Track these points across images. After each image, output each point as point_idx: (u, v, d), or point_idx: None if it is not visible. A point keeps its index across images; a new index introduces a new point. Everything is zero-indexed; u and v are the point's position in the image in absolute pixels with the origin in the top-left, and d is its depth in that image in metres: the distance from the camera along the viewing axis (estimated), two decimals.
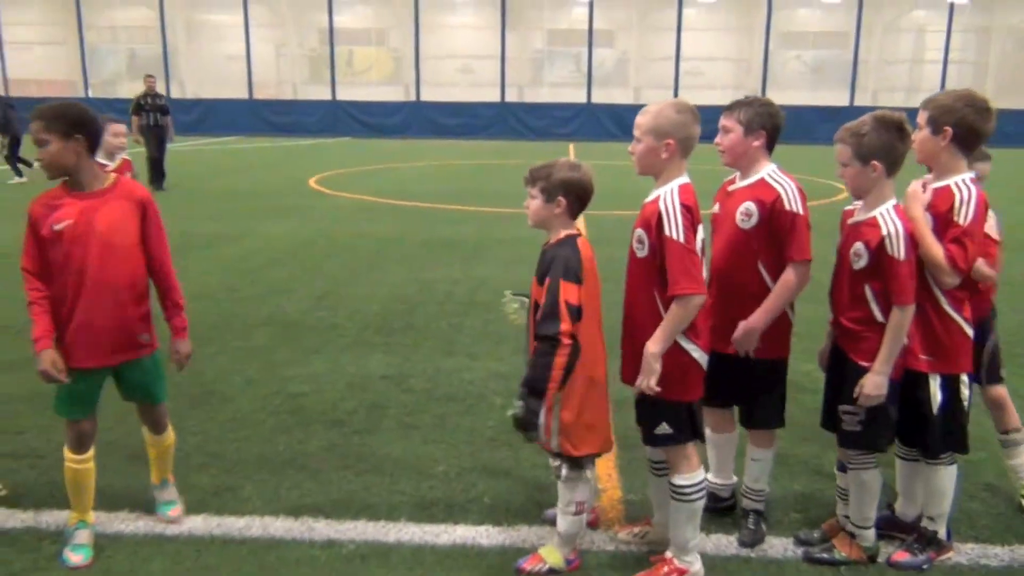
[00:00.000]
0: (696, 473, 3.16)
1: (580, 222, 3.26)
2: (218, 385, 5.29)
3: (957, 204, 3.12)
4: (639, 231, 3.10)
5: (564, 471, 3.17)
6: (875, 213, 3.12)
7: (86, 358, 3.24)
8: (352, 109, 33.18)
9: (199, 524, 3.57)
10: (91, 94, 34.50)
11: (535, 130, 32.07)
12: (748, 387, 3.46)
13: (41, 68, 37.99)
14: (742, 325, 3.31)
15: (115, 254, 3.22)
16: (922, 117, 3.24)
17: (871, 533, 3.36)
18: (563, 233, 3.14)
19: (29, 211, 3.21)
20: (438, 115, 32.71)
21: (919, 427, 3.29)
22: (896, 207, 3.13)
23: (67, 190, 3.23)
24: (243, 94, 33.89)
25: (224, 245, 9.83)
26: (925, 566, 3.33)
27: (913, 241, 3.09)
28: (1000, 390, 3.81)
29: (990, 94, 3.25)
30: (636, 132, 3.13)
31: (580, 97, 33.34)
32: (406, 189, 15.69)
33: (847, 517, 3.39)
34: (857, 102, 32.77)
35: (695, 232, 3.01)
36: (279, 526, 3.56)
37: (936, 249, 3.10)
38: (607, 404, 3.22)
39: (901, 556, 3.37)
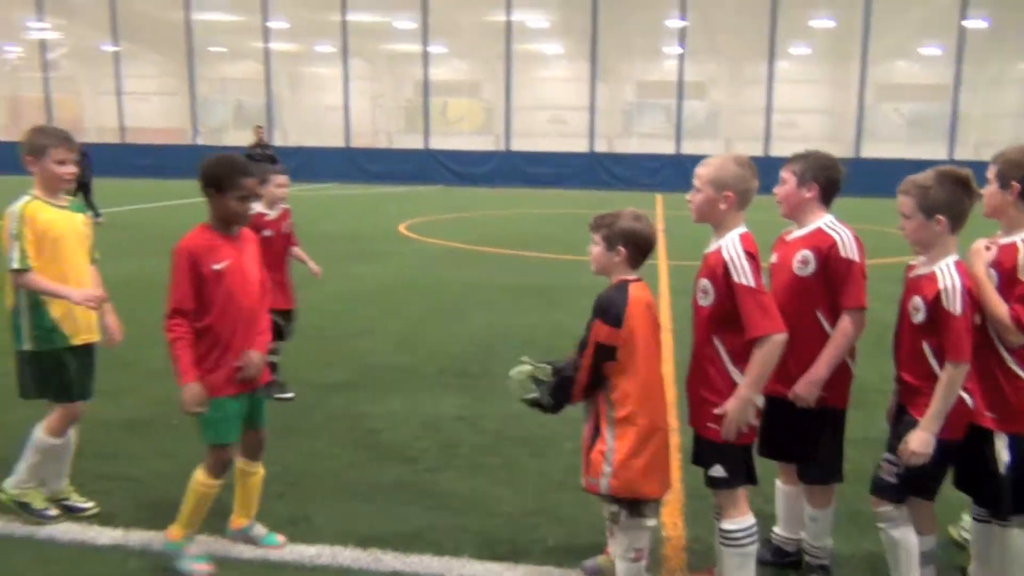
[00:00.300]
0: (745, 518, 3.17)
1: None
2: (299, 420, 5.50)
3: (1022, 261, 3.09)
4: (703, 281, 3.17)
5: (623, 517, 3.20)
6: (935, 268, 3.11)
7: (239, 386, 3.53)
8: (444, 158, 33.96)
9: (273, 550, 3.74)
10: (200, 141, 36.28)
11: (623, 180, 32.22)
12: (803, 438, 3.44)
13: (155, 117, 40.33)
14: (804, 378, 3.31)
15: (256, 290, 3.59)
16: (991, 171, 3.23)
17: None
18: (619, 278, 3.23)
19: (184, 253, 3.44)
20: (527, 164, 33.17)
21: (988, 486, 3.22)
22: (957, 263, 3.11)
23: (216, 233, 3.53)
24: (340, 143, 35.08)
25: (313, 286, 10.14)
26: None
27: (971, 298, 3.06)
28: None
29: None
30: (696, 182, 3.23)
31: (669, 148, 33.38)
32: (492, 236, 15.97)
33: None
34: (957, 156, 31.86)
35: (760, 276, 3.07)
36: (347, 555, 3.70)
37: (1001, 307, 3.08)
38: (667, 449, 3.26)
39: None
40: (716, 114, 39.91)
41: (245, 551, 3.71)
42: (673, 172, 32.79)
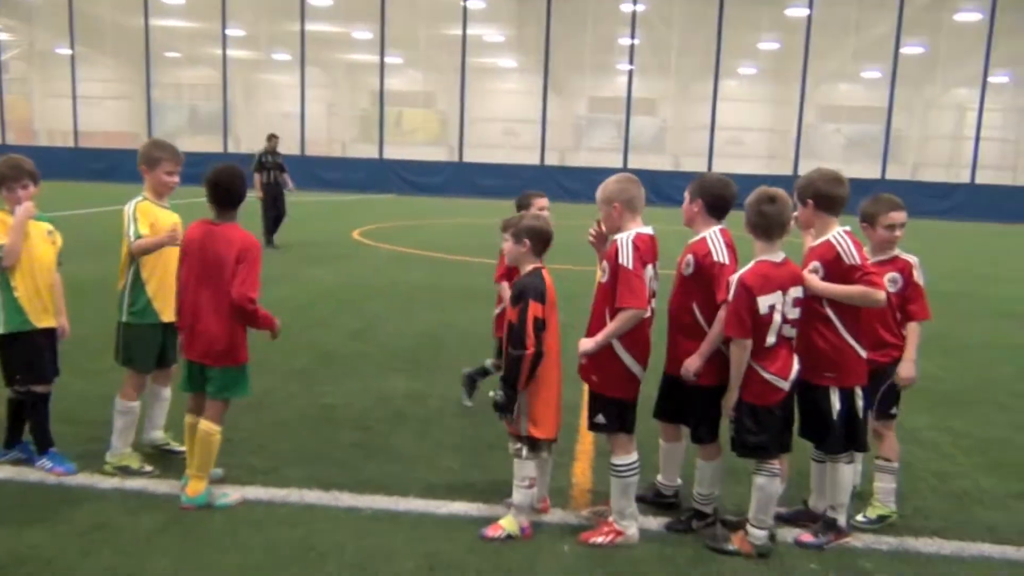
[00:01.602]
0: (628, 456, 4.08)
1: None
2: (264, 398, 6.21)
3: (844, 250, 4.02)
4: (604, 262, 4.09)
5: (524, 451, 4.05)
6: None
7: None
8: (398, 167, 34.60)
9: (250, 492, 4.50)
10: None
11: (572, 192, 33.13)
12: (693, 406, 4.26)
13: (107, 121, 40.31)
14: (687, 360, 4.13)
15: None
16: (795, 195, 4.20)
17: (762, 533, 4.07)
18: (530, 267, 4.08)
19: (258, 248, 4.35)
20: (479, 175, 33.93)
21: (824, 432, 4.10)
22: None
23: None
24: (295, 150, 35.49)
25: (273, 286, 10.85)
26: (825, 546, 4.10)
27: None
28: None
29: None
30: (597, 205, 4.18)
31: (618, 162, 34.39)
32: (441, 243, 16.75)
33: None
34: (894, 175, 33.35)
35: (640, 264, 3.93)
36: (312, 495, 4.49)
37: (854, 289, 3.99)
38: (558, 400, 4.15)
39: (806, 538, 4.16)
40: (664, 130, 41.10)
41: (233, 494, 4.43)
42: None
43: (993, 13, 30.93)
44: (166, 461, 4.90)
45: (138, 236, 4.64)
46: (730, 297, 3.94)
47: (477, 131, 37.18)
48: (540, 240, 4.13)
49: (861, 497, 4.62)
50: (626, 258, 3.93)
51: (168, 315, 4.72)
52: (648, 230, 4.11)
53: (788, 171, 32.50)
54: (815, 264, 4.10)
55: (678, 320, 4.23)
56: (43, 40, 39.88)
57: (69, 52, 35.47)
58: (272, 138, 16.17)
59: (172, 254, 4.70)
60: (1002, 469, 5.39)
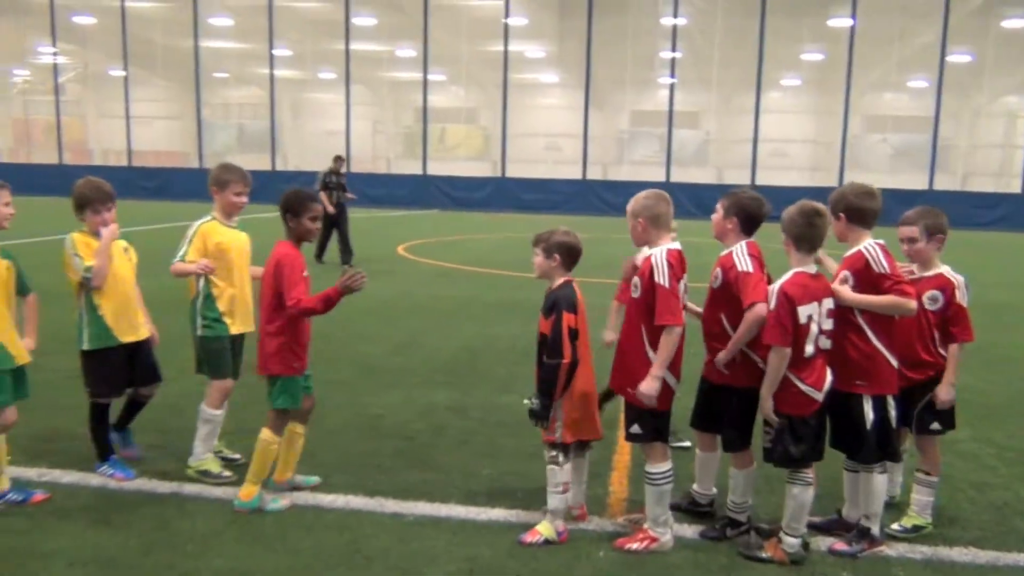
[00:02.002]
0: (662, 464, 4.18)
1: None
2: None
3: (874, 258, 4.12)
4: (635, 278, 4.23)
5: (560, 458, 4.19)
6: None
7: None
8: (441, 183, 34.96)
9: (300, 497, 4.70)
10: (204, 164, 37.35)
11: (614, 206, 33.23)
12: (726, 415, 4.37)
13: (158, 140, 41.43)
14: (716, 357, 4.27)
15: None
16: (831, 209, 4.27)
17: (795, 541, 4.14)
18: (561, 280, 4.22)
19: (298, 260, 4.49)
20: (522, 190, 34.15)
21: (857, 441, 4.16)
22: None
23: (298, 249, 4.59)
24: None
25: None
26: (859, 555, 4.16)
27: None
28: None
29: None
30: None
31: (660, 176, 34.39)
32: (483, 258, 16.96)
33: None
34: (944, 186, 32.88)
35: (676, 281, 4.05)
36: (357, 502, 4.67)
37: (885, 299, 4.07)
38: (593, 403, 4.29)
39: (839, 546, 4.22)
40: (707, 143, 41.05)
41: (277, 497, 4.63)
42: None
43: None
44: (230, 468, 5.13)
45: (181, 259, 4.90)
46: (772, 306, 4.04)
47: (519, 146, 37.46)
48: (570, 255, 4.29)
49: (899, 507, 4.67)
50: (662, 276, 4.06)
51: (237, 327, 5.02)
52: (676, 245, 4.23)
53: (833, 183, 32.15)
54: (845, 273, 4.18)
55: (710, 330, 4.36)
56: (97, 62, 41.19)
57: (122, 74, 36.53)
58: (338, 159, 16.28)
59: (243, 269, 5.04)
60: None
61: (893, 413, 4.20)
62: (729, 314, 4.26)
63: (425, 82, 35.40)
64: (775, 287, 4.09)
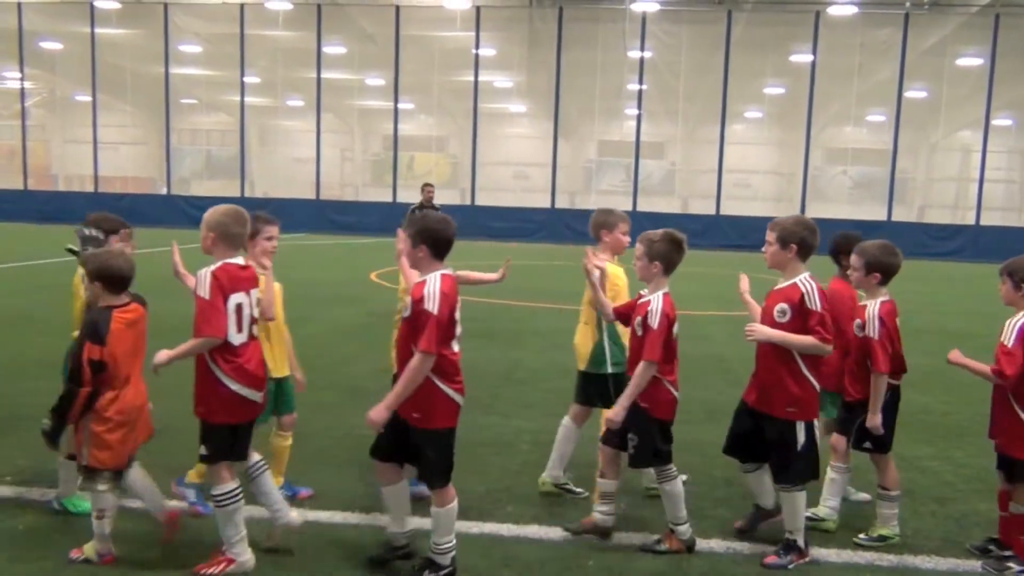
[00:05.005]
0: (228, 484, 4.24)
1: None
2: (302, 428, 6.56)
3: (807, 294, 4.47)
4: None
5: (98, 484, 4.24)
6: (651, 296, 4.63)
7: None
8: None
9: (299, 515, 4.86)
10: (172, 191, 37.26)
11: (583, 234, 33.52)
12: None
13: (126, 166, 41.21)
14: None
15: None
16: (771, 235, 4.60)
17: (685, 528, 4.56)
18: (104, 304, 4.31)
19: None
20: (491, 219, 34.45)
21: (785, 461, 4.52)
22: (665, 295, 4.61)
23: None
24: (310, 194, 36.16)
25: (299, 325, 11.26)
26: (790, 566, 4.45)
27: (668, 319, 4.54)
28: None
29: None
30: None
31: (627, 204, 34.89)
32: None
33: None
34: (902, 217, 33.76)
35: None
36: (354, 517, 4.89)
37: (806, 340, 4.42)
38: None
39: (771, 559, 4.51)
40: (672, 173, 41.75)
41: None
42: (631, 228, 34.26)
43: (993, 59, 31.56)
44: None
45: None
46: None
47: (488, 175, 37.81)
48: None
49: (867, 518, 4.97)
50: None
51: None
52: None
53: (795, 213, 32.87)
54: (783, 306, 4.52)
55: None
56: (64, 87, 40.93)
57: (89, 99, 36.35)
58: (426, 188, 13.96)
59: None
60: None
61: (817, 435, 4.56)
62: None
63: (396, 111, 35.70)
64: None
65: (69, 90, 40.64)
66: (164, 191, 37.77)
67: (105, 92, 37.20)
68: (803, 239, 4.50)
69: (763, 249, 4.67)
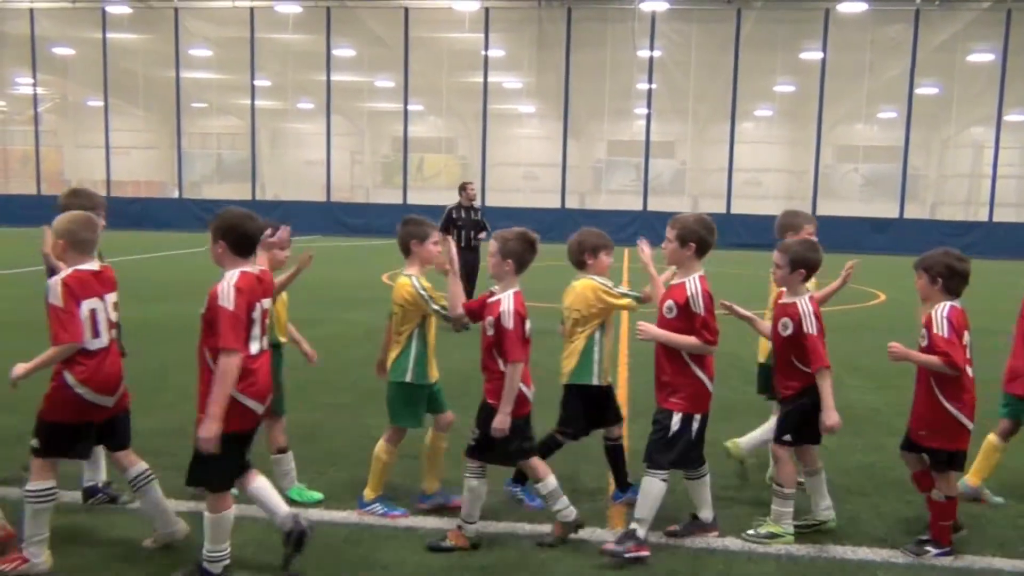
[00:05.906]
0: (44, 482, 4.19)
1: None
2: (316, 430, 6.64)
3: (692, 295, 4.57)
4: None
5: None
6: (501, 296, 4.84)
7: None
8: (421, 212, 34.95)
9: (315, 515, 4.91)
10: (183, 194, 37.45)
11: None
12: None
13: (137, 170, 41.46)
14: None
15: None
16: (671, 232, 4.67)
17: (473, 527, 4.57)
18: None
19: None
20: (501, 219, 34.23)
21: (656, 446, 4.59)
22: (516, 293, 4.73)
23: None
24: (320, 196, 36.27)
25: (313, 327, 11.33)
26: (626, 555, 4.41)
27: (521, 317, 4.74)
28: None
29: None
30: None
31: (637, 204, 34.87)
32: None
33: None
34: (914, 214, 33.61)
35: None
36: (370, 518, 4.93)
37: (689, 340, 4.55)
38: None
39: (609, 546, 4.49)
40: (682, 172, 41.69)
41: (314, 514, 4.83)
42: (641, 228, 34.26)
43: (1005, 54, 31.41)
44: None
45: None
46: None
47: (498, 176, 37.83)
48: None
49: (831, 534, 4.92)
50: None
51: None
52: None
53: (806, 211, 32.71)
54: (670, 303, 4.66)
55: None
56: (76, 93, 41.20)
57: (101, 104, 36.56)
58: (464, 188, 12.76)
59: None
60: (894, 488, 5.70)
61: (696, 428, 4.59)
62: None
63: (405, 112, 35.79)
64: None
65: (81, 95, 40.90)
66: (176, 195, 37.99)
67: (117, 97, 37.43)
68: (702, 238, 4.62)
69: (663, 245, 4.75)
